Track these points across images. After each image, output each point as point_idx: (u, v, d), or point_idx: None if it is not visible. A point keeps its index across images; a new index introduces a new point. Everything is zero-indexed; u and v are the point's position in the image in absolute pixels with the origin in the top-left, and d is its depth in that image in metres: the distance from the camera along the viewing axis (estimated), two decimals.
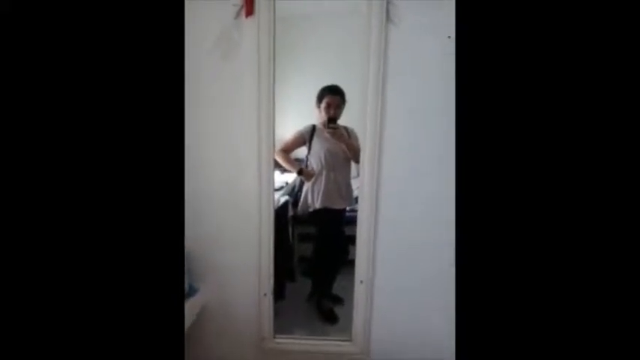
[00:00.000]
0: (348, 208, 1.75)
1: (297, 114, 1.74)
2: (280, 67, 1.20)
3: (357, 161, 1.47)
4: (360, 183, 1.25)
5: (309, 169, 1.75)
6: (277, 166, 1.84)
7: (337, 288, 1.80)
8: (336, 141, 1.65)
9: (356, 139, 1.61)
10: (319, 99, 1.67)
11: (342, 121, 1.66)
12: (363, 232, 1.26)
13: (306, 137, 1.72)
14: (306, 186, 1.79)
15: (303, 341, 1.36)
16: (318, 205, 1.74)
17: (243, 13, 1.14)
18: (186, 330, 1.16)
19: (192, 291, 1.25)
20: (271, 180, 1.26)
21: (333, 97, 1.64)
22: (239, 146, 1.23)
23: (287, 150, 1.73)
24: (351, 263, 1.32)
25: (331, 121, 1.63)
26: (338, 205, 1.74)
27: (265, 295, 1.30)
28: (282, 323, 1.38)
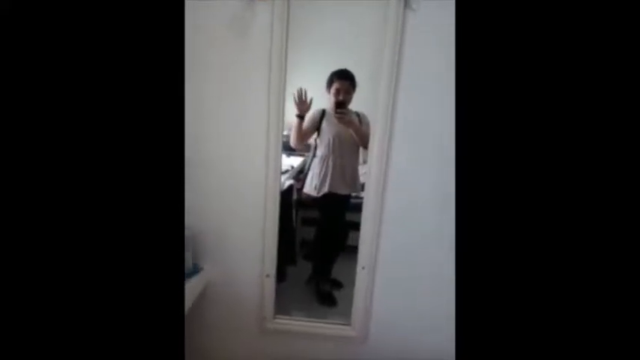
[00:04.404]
0: (353, 195, 1.75)
1: (310, 94, 1.71)
2: (293, 49, 1.18)
3: (366, 147, 1.46)
4: (368, 169, 1.25)
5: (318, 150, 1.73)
6: (284, 148, 1.84)
7: (337, 272, 1.82)
8: (344, 126, 1.65)
9: (367, 124, 1.61)
10: (329, 83, 1.66)
11: (354, 106, 1.64)
12: (368, 218, 1.26)
13: (317, 121, 1.71)
14: (312, 170, 1.79)
15: (303, 323, 1.38)
16: (322, 190, 1.74)
17: None
18: (189, 307, 1.18)
19: (197, 269, 1.27)
20: (278, 163, 1.25)
21: (342, 82, 1.63)
22: (247, 128, 1.22)
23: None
24: (351, 249, 1.33)
25: (340, 105, 1.62)
26: (342, 191, 1.74)
27: (268, 276, 1.31)
28: (282, 305, 1.40)
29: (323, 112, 1.71)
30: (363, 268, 1.29)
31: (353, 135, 1.64)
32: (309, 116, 1.66)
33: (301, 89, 1.58)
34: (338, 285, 1.80)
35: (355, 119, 1.65)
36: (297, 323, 1.38)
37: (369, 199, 1.25)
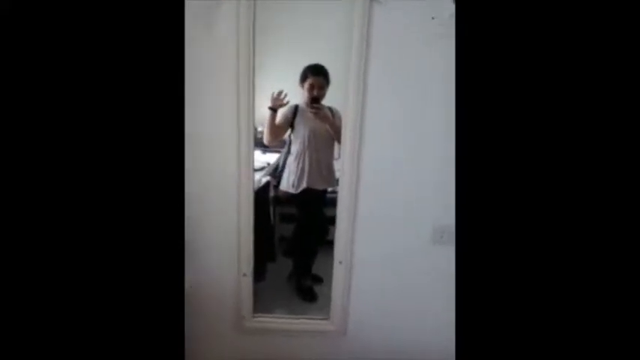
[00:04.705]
0: (329, 189, 1.75)
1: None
2: (261, 43, 1.16)
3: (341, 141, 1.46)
4: (341, 164, 1.25)
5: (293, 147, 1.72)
6: (258, 145, 1.83)
7: (317, 268, 1.82)
8: (319, 121, 1.64)
9: (340, 119, 1.60)
10: (302, 78, 1.64)
11: (325, 101, 1.63)
12: (342, 212, 1.27)
13: (289, 117, 1.70)
14: (288, 167, 1.77)
15: (281, 320, 1.38)
16: (300, 186, 1.73)
17: None
18: None
19: None
20: (251, 160, 1.24)
21: (316, 77, 1.61)
22: (218, 125, 1.20)
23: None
24: (331, 244, 1.34)
25: (314, 101, 1.61)
26: (319, 186, 1.74)
27: (245, 275, 1.30)
28: (262, 303, 1.40)
29: (296, 108, 1.70)
30: (340, 262, 1.30)
31: (328, 130, 1.64)
32: (282, 112, 1.65)
33: (282, 91, 1.58)
34: (318, 280, 1.80)
35: (329, 114, 1.65)
36: (276, 320, 1.38)
37: (343, 193, 1.25)
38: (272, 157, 1.93)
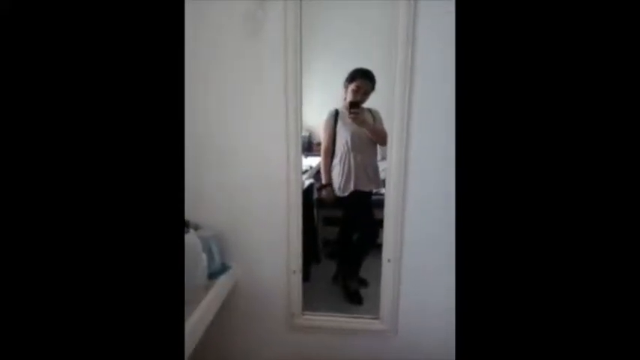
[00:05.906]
0: (374, 191, 1.76)
1: (323, 95, 1.74)
2: (306, 47, 1.21)
3: (383, 144, 1.47)
4: (388, 165, 1.26)
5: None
6: (304, 149, 1.87)
7: (362, 270, 1.83)
8: (358, 126, 1.66)
9: (380, 121, 1.62)
10: (350, 80, 1.66)
11: (369, 104, 1.65)
12: (390, 213, 1.27)
13: (333, 125, 1.73)
14: (333, 170, 1.80)
15: (331, 318, 1.40)
16: (347, 189, 1.75)
17: None
18: (219, 305, 1.22)
19: (225, 269, 1.30)
20: (299, 161, 1.29)
21: (364, 81, 1.63)
22: (266, 128, 1.26)
23: (328, 148, 1.76)
24: (378, 246, 1.34)
25: (353, 105, 1.62)
26: (366, 188, 1.75)
27: (294, 272, 1.33)
28: (309, 302, 1.42)
29: (336, 113, 1.73)
30: (389, 260, 1.30)
31: (368, 133, 1.66)
32: (325, 125, 1.70)
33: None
34: (364, 283, 1.80)
35: (369, 117, 1.66)
36: (325, 319, 1.39)
37: (390, 193, 1.26)
38: (314, 161, 1.97)
